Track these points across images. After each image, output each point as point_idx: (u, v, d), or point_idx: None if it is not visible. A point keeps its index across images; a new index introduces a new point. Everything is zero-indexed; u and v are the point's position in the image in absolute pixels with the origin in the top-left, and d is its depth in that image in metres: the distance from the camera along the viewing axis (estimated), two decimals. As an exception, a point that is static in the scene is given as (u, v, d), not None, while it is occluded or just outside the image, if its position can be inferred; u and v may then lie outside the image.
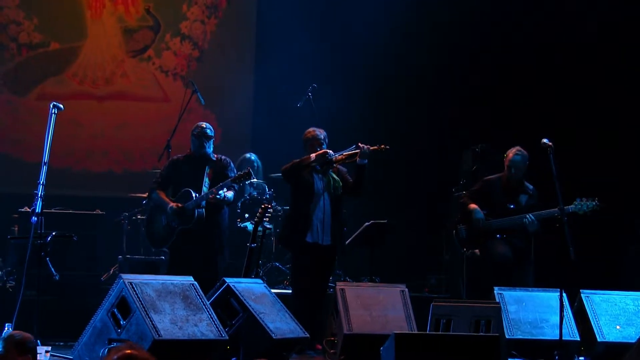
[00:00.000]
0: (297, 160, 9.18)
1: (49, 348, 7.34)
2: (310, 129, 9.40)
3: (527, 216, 9.44)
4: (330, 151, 9.12)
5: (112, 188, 12.65)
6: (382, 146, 9.02)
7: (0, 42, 12.96)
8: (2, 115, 12.90)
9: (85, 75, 13.10)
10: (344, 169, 9.35)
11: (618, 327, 8.66)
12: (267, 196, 10.98)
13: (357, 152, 9.05)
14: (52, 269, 8.10)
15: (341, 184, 9.23)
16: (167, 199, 9.47)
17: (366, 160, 9.04)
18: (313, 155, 9.11)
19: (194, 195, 9.27)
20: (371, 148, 9.00)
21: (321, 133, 9.32)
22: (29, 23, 13.01)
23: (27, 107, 12.79)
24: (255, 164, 11.44)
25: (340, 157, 9.17)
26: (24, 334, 5.39)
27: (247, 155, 11.57)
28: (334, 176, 9.23)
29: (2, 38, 12.96)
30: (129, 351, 3.92)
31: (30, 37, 13.01)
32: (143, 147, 12.87)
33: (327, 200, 9.19)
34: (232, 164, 9.68)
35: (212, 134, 9.56)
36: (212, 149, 9.59)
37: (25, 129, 12.66)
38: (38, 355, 6.83)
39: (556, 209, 8.70)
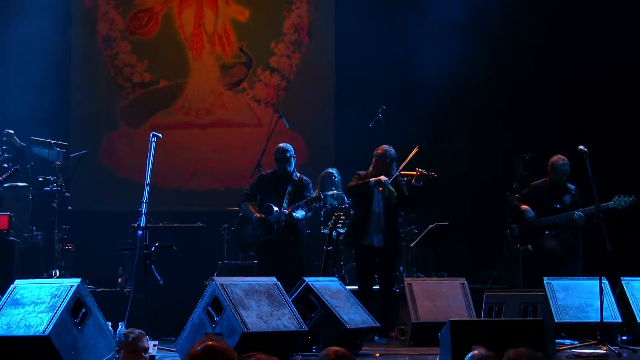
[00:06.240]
0: (361, 183, 9.35)
1: (156, 342, 7.51)
2: (383, 146, 9.50)
3: (577, 212, 9.43)
4: (385, 178, 9.27)
5: (216, 203, 12.84)
6: (432, 174, 9.25)
7: (117, 82, 13.37)
8: (121, 146, 13.29)
9: (190, 107, 13.41)
10: (403, 182, 9.49)
11: (656, 309, 8.60)
12: (347, 205, 11.04)
13: (412, 175, 9.26)
14: (157, 275, 8.34)
15: (396, 194, 9.37)
16: (253, 210, 9.76)
17: (421, 183, 9.22)
18: (372, 180, 9.29)
19: (274, 209, 9.55)
20: (425, 173, 9.19)
21: (391, 151, 9.45)
22: (141, 65, 13.39)
23: (141, 137, 12.97)
24: (336, 178, 11.51)
25: (395, 176, 9.33)
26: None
27: (329, 169, 11.61)
28: (390, 187, 9.36)
29: (118, 79, 13.38)
30: (210, 342, 3.99)
31: (142, 77, 13.39)
32: (241, 167, 12.98)
33: (382, 208, 9.34)
34: (310, 185, 9.91)
35: (291, 155, 9.77)
36: (293, 167, 9.80)
37: (140, 156, 12.84)
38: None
39: (594, 206, 8.68)
